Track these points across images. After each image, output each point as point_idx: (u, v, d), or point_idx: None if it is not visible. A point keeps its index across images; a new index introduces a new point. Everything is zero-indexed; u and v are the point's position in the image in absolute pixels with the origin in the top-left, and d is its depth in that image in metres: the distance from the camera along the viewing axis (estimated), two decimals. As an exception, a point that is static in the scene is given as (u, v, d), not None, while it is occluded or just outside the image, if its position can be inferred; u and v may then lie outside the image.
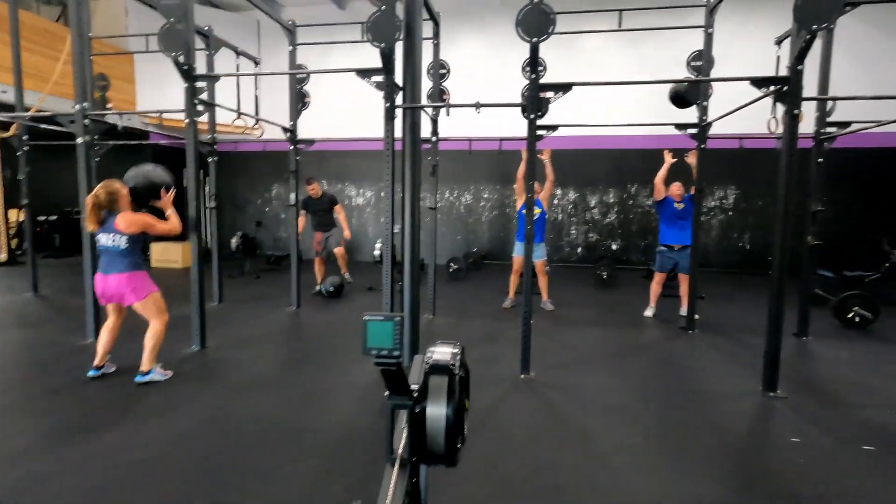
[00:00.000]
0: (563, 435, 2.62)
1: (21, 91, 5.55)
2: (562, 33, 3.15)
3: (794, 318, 4.39)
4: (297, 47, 5.24)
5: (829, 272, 6.23)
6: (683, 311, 5.02)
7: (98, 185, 3.13)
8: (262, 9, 4.87)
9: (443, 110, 5.21)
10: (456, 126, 6.20)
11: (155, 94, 9.04)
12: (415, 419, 1.48)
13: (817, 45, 3.43)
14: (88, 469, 2.21)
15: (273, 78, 6.94)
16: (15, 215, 8.72)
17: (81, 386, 3.16)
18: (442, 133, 5.18)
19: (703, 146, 4.46)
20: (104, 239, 3.11)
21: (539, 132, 3.40)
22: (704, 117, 4.41)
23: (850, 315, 4.77)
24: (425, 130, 4.09)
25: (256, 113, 5.42)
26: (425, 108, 4.61)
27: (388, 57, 3.30)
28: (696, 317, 4.73)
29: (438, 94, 4.93)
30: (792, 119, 3.00)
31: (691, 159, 4.79)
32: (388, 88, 3.39)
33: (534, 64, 3.25)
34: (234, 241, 7.78)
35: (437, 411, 1.49)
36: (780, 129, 3.25)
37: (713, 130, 4.52)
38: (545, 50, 3.32)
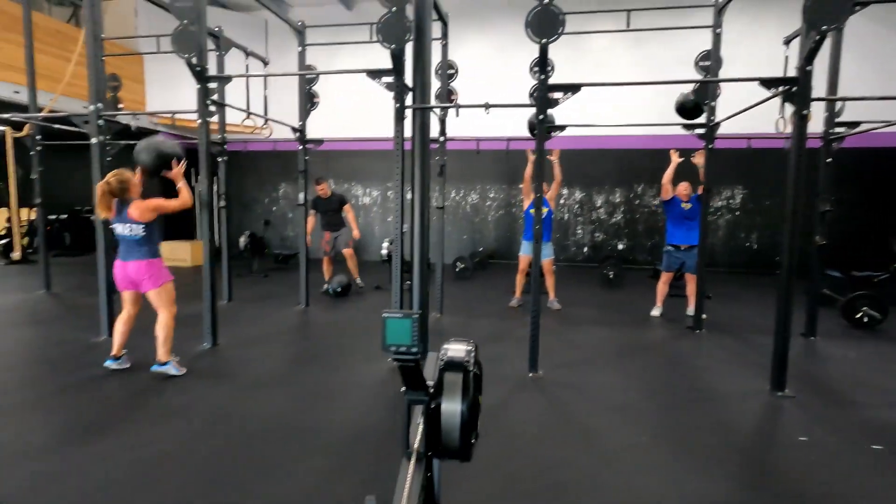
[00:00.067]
0: (570, 433, 2.65)
1: (34, 92, 5.62)
2: (569, 33, 3.16)
3: (801, 318, 4.39)
4: (306, 48, 5.27)
5: (836, 272, 6.21)
6: (690, 310, 5.03)
7: (109, 174, 3.16)
8: (272, 10, 4.92)
9: (452, 111, 5.23)
10: (462, 126, 6.22)
11: (164, 93, 9.12)
12: (430, 414, 1.51)
13: (826, 45, 3.43)
14: (104, 465, 2.26)
15: (282, 78, 6.99)
16: (26, 214, 8.83)
17: (96, 383, 3.21)
18: (449, 133, 5.21)
19: (710, 146, 4.46)
20: (120, 228, 3.18)
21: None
22: (712, 117, 4.41)
23: (858, 315, 4.77)
24: (433, 130, 4.11)
25: (265, 113, 5.46)
26: (434, 109, 4.63)
27: (398, 58, 3.34)
28: (704, 316, 4.73)
29: (447, 95, 4.95)
30: (801, 120, 3.01)
31: (698, 160, 4.80)
32: (399, 89, 3.42)
33: (543, 65, 3.27)
34: (242, 240, 7.85)
35: (452, 407, 1.52)
36: (789, 129, 3.26)
37: (721, 130, 4.52)
38: (552, 50, 3.34)
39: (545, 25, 3.06)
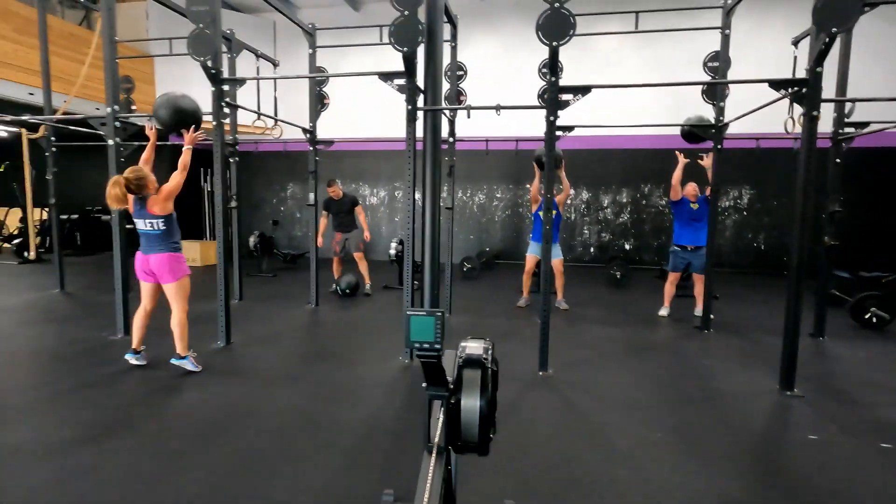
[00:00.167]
0: (582, 430, 2.69)
1: (49, 94, 5.71)
2: (577, 35, 3.19)
3: (810, 318, 4.40)
4: (316, 50, 5.33)
5: (845, 273, 6.21)
6: (698, 311, 5.05)
7: (127, 170, 3.17)
8: (283, 12, 4.97)
9: (463, 112, 5.28)
10: (470, 126, 6.26)
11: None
12: (450, 410, 1.56)
13: (835, 46, 3.44)
14: (127, 459, 2.32)
15: (291, 78, 7.07)
16: (38, 214, 8.96)
17: (115, 379, 3.28)
18: (457, 133, 5.26)
19: (719, 147, 4.48)
20: (141, 224, 3.25)
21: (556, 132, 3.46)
22: (721, 118, 4.43)
23: (867, 315, 4.78)
24: (442, 131, 4.16)
25: (275, 114, 5.53)
26: (445, 111, 4.67)
27: (410, 61, 3.38)
28: (712, 316, 4.75)
29: (456, 96, 5.00)
30: (811, 121, 3.03)
31: (706, 162, 4.81)
32: (410, 91, 3.47)
33: (554, 67, 3.31)
34: (252, 240, 7.92)
35: (471, 403, 1.57)
36: (797, 130, 3.28)
37: (729, 130, 4.54)
38: (560, 51, 3.37)
39: (556, 28, 3.10)
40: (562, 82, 3.36)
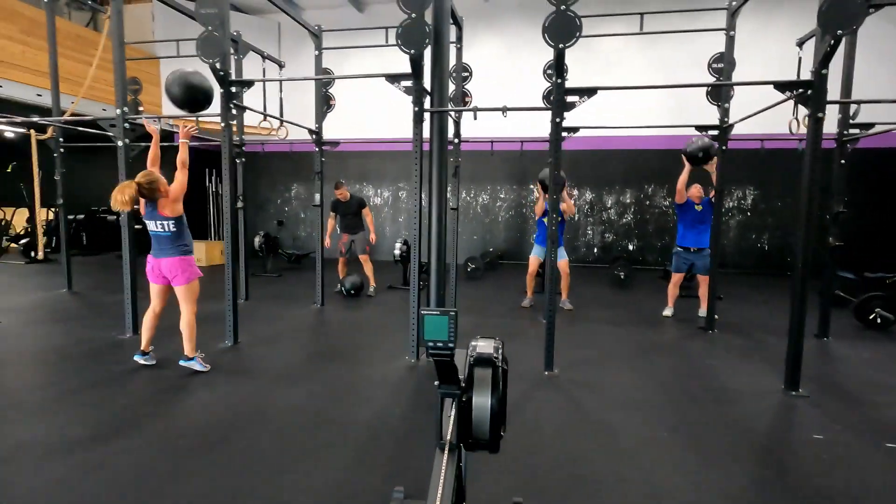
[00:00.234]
0: (588, 429, 2.71)
1: (58, 95, 5.75)
2: (582, 36, 3.21)
3: (814, 318, 4.41)
4: (322, 51, 5.36)
5: (849, 273, 6.22)
6: (702, 311, 5.07)
7: (139, 175, 3.20)
8: (290, 14, 5.01)
9: (468, 112, 5.31)
10: (475, 127, 6.29)
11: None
12: (462, 407, 1.59)
13: (840, 47, 3.45)
14: (138, 457, 2.35)
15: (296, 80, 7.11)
16: (44, 215, 9.02)
17: (125, 378, 3.32)
18: (461, 134, 5.28)
19: (724, 148, 4.49)
20: (152, 226, 3.28)
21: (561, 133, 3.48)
22: (726, 119, 4.45)
23: (871, 316, 4.79)
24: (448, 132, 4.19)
25: (281, 114, 5.56)
26: (451, 112, 4.70)
27: (417, 62, 3.41)
28: (716, 317, 4.77)
29: (461, 97, 5.03)
30: (816, 123, 3.05)
31: (710, 167, 4.82)
32: (417, 93, 3.50)
33: (560, 69, 3.33)
34: (257, 240, 7.97)
35: (482, 401, 1.60)
36: (802, 130, 3.30)
37: (734, 131, 4.55)
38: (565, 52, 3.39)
39: (562, 30, 3.12)
40: (567, 84, 3.39)
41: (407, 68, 3.48)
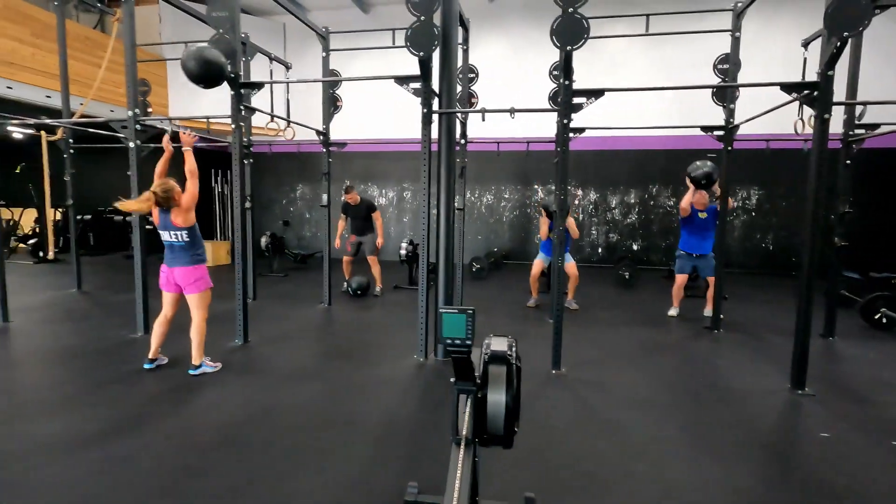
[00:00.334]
0: (598, 427, 2.74)
1: (68, 96, 5.82)
2: (588, 38, 3.25)
3: (820, 318, 4.43)
4: (329, 53, 5.40)
5: (854, 273, 6.22)
6: (707, 311, 5.10)
7: (155, 184, 3.27)
8: (297, 16, 5.05)
9: (474, 113, 5.35)
10: (480, 127, 6.33)
11: (186, 97, 9.33)
12: (477, 404, 1.63)
13: (846, 47, 3.47)
14: (155, 453, 2.39)
15: (305, 82, 7.16)
16: (52, 215, 9.09)
17: (137, 376, 3.36)
18: (467, 134, 5.31)
19: (729, 148, 4.51)
20: (166, 235, 3.32)
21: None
22: (731, 120, 4.47)
23: (877, 316, 4.80)
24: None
25: (288, 115, 5.61)
26: (459, 113, 4.74)
27: (425, 65, 3.45)
28: (721, 317, 4.79)
29: (467, 98, 5.06)
30: (822, 124, 3.07)
31: (715, 189, 4.87)
32: (426, 95, 3.53)
33: (568, 71, 3.36)
34: (263, 241, 8.02)
35: (497, 397, 1.64)
36: (807, 131, 3.32)
37: (739, 131, 4.57)
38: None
39: (570, 33, 3.15)
40: (574, 85, 3.42)
41: (412, 68, 3.52)
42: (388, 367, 3.65)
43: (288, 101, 5.72)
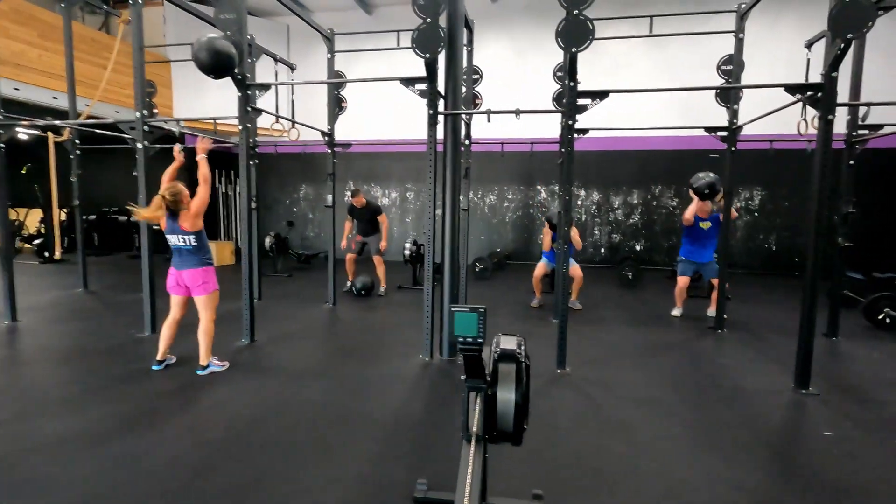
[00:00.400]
0: (603, 425, 2.77)
1: (74, 98, 5.86)
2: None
3: (823, 318, 4.44)
4: (335, 54, 5.43)
5: (857, 274, 6.23)
6: (711, 311, 5.12)
7: (163, 188, 3.33)
8: (303, 17, 5.09)
9: (478, 114, 5.37)
10: (484, 128, 6.36)
11: (190, 98, 9.39)
12: (487, 401, 1.65)
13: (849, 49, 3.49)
14: (168, 449, 2.43)
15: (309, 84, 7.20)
16: (58, 215, 9.14)
17: (147, 375, 3.40)
18: (472, 135, 5.34)
19: (733, 149, 4.53)
20: (174, 239, 3.36)
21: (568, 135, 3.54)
22: (735, 120, 4.49)
23: (880, 316, 4.81)
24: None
25: (292, 116, 5.64)
26: (465, 114, 4.77)
27: (431, 66, 3.48)
28: (725, 317, 4.81)
29: (471, 99, 5.09)
30: (826, 125, 3.09)
31: (717, 200, 4.92)
32: (432, 96, 3.56)
33: (573, 72, 3.39)
34: (267, 241, 8.06)
35: (506, 395, 1.67)
36: (811, 131, 3.34)
37: (742, 132, 4.59)
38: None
39: (575, 35, 3.18)
40: (578, 87, 3.44)
41: (414, 69, 3.54)
42: (393, 366, 3.68)
43: (293, 101, 5.76)
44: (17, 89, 6.67)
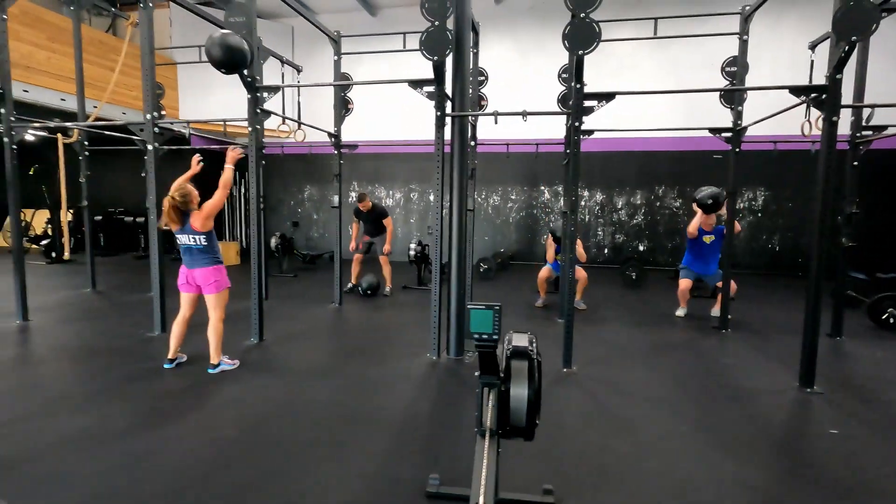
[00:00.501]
0: (609, 423, 2.80)
1: (83, 99, 5.92)
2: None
3: (827, 318, 4.47)
4: (341, 56, 5.48)
5: (861, 274, 6.25)
6: (715, 311, 5.14)
7: (173, 189, 3.38)
8: (309, 20, 5.13)
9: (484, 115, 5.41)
10: (489, 130, 6.40)
11: (196, 100, 9.45)
12: (501, 397, 1.70)
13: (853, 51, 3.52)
14: (182, 446, 2.47)
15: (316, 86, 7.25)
16: (65, 216, 9.21)
17: (158, 373, 3.44)
18: (478, 137, 5.38)
19: (737, 150, 4.56)
20: (184, 239, 3.40)
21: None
22: (739, 122, 4.52)
23: (884, 316, 4.84)
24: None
25: (299, 117, 5.69)
26: (472, 116, 4.80)
27: (439, 69, 3.52)
28: (729, 316, 4.84)
29: (477, 101, 5.12)
30: (831, 126, 3.12)
31: (721, 212, 4.96)
32: (440, 98, 3.60)
33: (579, 75, 3.42)
34: (273, 241, 8.10)
35: (519, 391, 1.71)
36: (815, 133, 3.36)
37: (746, 133, 4.62)
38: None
39: (582, 37, 3.21)
40: (584, 89, 3.48)
41: (419, 70, 3.58)
42: (401, 364, 3.72)
43: (299, 103, 5.81)
44: (26, 91, 6.74)
